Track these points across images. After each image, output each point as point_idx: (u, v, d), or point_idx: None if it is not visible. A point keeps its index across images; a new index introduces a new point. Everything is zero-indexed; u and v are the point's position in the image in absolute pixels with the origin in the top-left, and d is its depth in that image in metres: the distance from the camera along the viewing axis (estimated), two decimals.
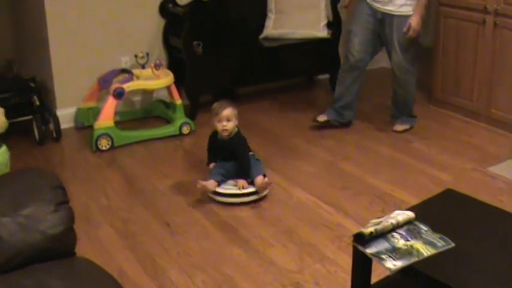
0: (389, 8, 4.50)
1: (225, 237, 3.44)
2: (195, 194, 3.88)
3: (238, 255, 3.27)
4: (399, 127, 4.89)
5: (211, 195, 3.82)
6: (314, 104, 5.61)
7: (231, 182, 3.86)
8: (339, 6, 5.01)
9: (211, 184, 3.78)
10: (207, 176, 3.86)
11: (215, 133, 3.97)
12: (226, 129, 3.84)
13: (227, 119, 3.83)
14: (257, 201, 3.82)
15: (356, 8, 4.76)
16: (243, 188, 3.80)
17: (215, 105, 3.89)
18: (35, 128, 4.64)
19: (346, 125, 4.95)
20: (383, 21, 4.59)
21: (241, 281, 3.05)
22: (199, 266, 3.17)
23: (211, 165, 3.95)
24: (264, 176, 3.86)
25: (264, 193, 3.85)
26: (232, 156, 3.90)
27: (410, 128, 4.89)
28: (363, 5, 4.67)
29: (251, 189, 3.82)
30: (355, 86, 4.83)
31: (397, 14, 4.49)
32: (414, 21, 4.41)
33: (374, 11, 4.60)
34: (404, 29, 4.44)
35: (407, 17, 4.45)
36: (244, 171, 3.87)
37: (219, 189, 3.80)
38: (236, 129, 3.91)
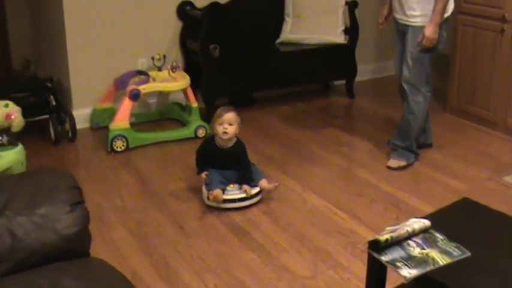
0: (408, 19, 4.14)
1: (238, 242, 3.44)
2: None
3: (252, 260, 3.26)
4: (393, 163, 4.38)
5: (222, 204, 3.76)
6: (330, 110, 5.61)
7: (232, 188, 3.81)
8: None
9: (219, 193, 3.74)
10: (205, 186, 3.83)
11: (211, 139, 3.87)
12: (227, 133, 3.75)
13: (229, 123, 3.75)
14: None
15: None
16: (248, 191, 3.78)
17: (219, 109, 3.83)
18: (50, 128, 4.67)
19: (427, 145, 4.66)
20: (404, 35, 4.23)
21: (254, 286, 3.04)
22: (212, 269, 3.17)
23: (204, 174, 3.84)
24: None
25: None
26: (232, 164, 3.86)
27: (406, 166, 4.38)
28: (394, 21, 4.36)
29: (256, 189, 3.82)
30: None
31: (414, 25, 4.11)
32: (428, 30, 4.02)
33: (399, 27, 4.28)
34: (418, 39, 4.08)
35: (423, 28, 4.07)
36: (248, 178, 3.84)
37: (228, 196, 3.76)
38: (235, 138, 3.86)
